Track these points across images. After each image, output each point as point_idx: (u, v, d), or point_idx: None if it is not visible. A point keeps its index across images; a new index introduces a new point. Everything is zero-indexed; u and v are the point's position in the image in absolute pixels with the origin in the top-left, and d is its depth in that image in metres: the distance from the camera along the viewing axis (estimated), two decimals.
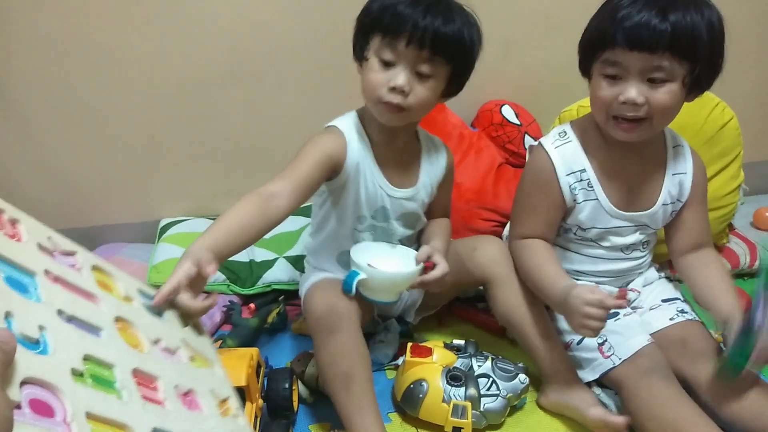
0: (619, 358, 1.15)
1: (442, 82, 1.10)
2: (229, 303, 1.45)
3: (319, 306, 1.12)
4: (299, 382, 1.22)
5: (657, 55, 1.02)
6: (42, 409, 0.53)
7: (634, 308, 1.30)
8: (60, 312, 0.67)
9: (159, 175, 1.74)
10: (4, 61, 1.49)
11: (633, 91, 1.06)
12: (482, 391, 1.16)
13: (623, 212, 1.22)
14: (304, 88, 1.68)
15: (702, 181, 1.27)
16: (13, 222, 0.76)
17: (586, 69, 1.16)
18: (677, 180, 1.24)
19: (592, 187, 1.20)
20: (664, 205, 1.23)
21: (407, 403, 1.17)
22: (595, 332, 1.04)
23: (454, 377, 1.16)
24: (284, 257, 1.58)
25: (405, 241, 1.30)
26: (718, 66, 1.08)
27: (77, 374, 0.61)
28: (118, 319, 0.79)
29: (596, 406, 1.13)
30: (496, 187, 1.70)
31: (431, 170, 1.28)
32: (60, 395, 0.56)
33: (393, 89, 1.06)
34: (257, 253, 1.58)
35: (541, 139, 1.26)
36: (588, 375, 1.20)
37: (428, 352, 1.20)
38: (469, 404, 1.12)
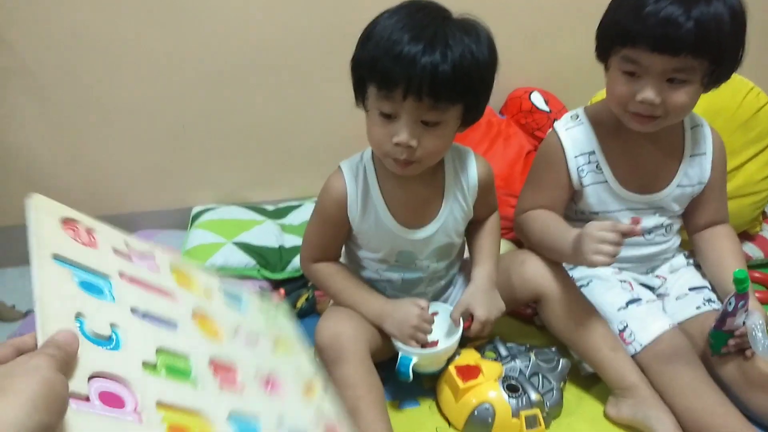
0: (640, 344, 1.14)
1: (454, 121, 1.00)
2: (259, 288, 1.47)
3: (322, 336, 1.07)
4: None
5: (679, 58, 1.01)
6: (112, 400, 0.55)
7: (659, 296, 1.29)
8: (133, 309, 0.69)
9: (191, 164, 1.77)
10: (38, 54, 1.52)
11: (651, 93, 1.05)
12: (541, 391, 1.13)
13: (634, 194, 1.22)
14: (330, 78, 1.67)
15: (722, 160, 1.26)
16: (89, 231, 0.78)
17: (602, 56, 1.14)
18: (696, 161, 1.23)
19: (601, 169, 1.21)
20: (680, 186, 1.23)
21: (474, 430, 1.10)
22: (610, 258, 1.01)
23: (511, 387, 1.11)
24: None
25: (441, 272, 1.22)
26: (739, 58, 1.06)
27: (149, 366, 0.62)
28: (195, 313, 0.80)
29: (669, 415, 1.07)
30: (525, 175, 1.68)
31: (458, 194, 1.15)
32: (130, 387, 0.57)
33: (397, 144, 0.97)
34: (286, 239, 1.60)
35: (555, 123, 1.26)
36: None
37: (477, 371, 1.12)
38: (538, 410, 1.09)
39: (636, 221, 1.03)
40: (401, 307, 1.11)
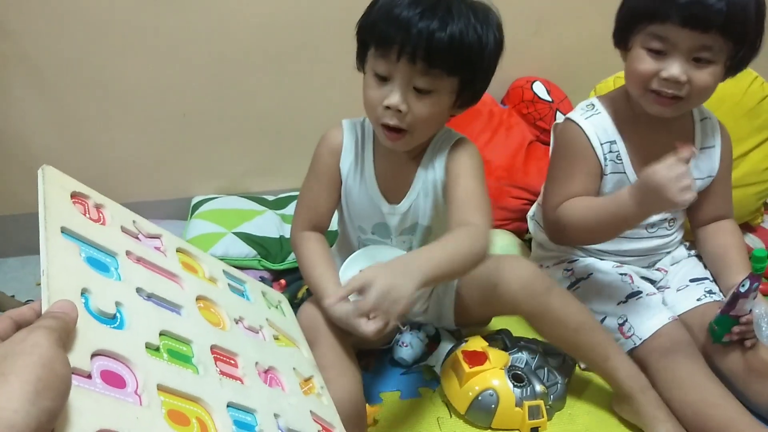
0: (639, 338, 1.14)
1: (447, 95, 0.99)
2: (259, 279, 1.47)
3: (302, 318, 1.04)
4: None
5: (708, 35, 1.00)
6: (113, 380, 0.55)
7: (660, 288, 1.29)
8: (139, 290, 0.69)
9: (191, 153, 1.76)
10: (38, 41, 1.51)
11: (677, 69, 1.04)
12: (546, 384, 1.13)
13: None
14: (335, 66, 1.67)
15: (729, 153, 1.25)
16: (98, 207, 0.78)
17: (623, 39, 1.12)
18: (706, 154, 1.22)
19: (621, 160, 1.19)
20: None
21: (477, 415, 1.10)
22: (695, 190, 0.98)
23: (516, 377, 1.11)
24: None
25: None
26: (758, 46, 1.06)
27: (152, 348, 0.62)
28: (200, 298, 0.80)
29: (668, 422, 1.05)
30: (527, 165, 1.69)
31: (429, 176, 1.11)
32: (132, 367, 0.57)
33: (388, 108, 0.97)
34: (287, 229, 1.60)
35: (568, 114, 1.24)
36: None
37: (483, 357, 1.12)
38: (541, 402, 1.09)
39: (682, 145, 0.99)
40: None
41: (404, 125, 0.98)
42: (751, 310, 1.05)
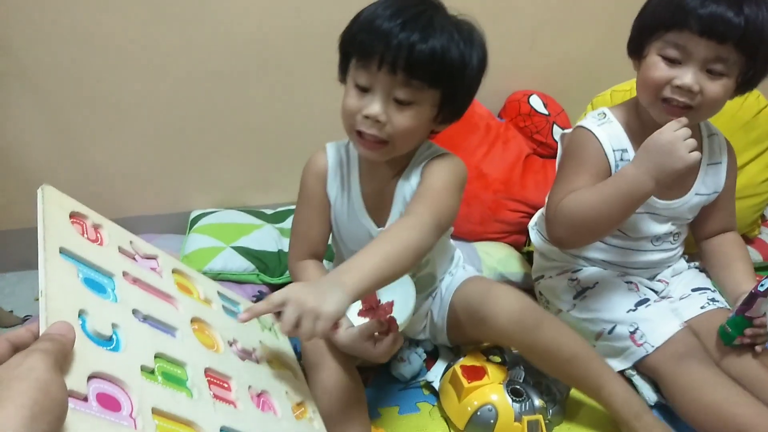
0: (652, 346, 1.14)
1: (429, 108, 0.98)
2: (258, 293, 1.46)
3: (306, 342, 1.01)
4: None
5: (724, 47, 1.01)
6: (109, 403, 0.55)
7: (663, 298, 1.29)
8: (135, 311, 0.69)
9: (189, 167, 1.76)
10: (36, 56, 1.51)
11: (691, 78, 1.04)
12: (544, 398, 1.12)
13: (657, 199, 1.20)
14: (332, 79, 1.68)
15: (734, 169, 1.26)
16: (96, 227, 0.78)
17: (639, 47, 1.13)
18: (713, 170, 1.22)
19: None
20: (698, 195, 1.22)
21: (475, 430, 1.09)
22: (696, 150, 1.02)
23: (515, 392, 1.10)
24: None
25: (421, 279, 1.16)
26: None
27: (147, 371, 0.63)
28: (194, 320, 0.81)
29: None
30: (524, 178, 1.69)
31: (407, 187, 1.09)
32: (128, 390, 0.57)
33: (367, 118, 0.96)
34: (285, 243, 1.60)
35: (580, 122, 1.23)
36: (621, 364, 1.18)
37: (482, 372, 1.12)
38: (540, 417, 1.08)
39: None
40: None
41: (384, 136, 0.98)
42: (765, 313, 1.06)
